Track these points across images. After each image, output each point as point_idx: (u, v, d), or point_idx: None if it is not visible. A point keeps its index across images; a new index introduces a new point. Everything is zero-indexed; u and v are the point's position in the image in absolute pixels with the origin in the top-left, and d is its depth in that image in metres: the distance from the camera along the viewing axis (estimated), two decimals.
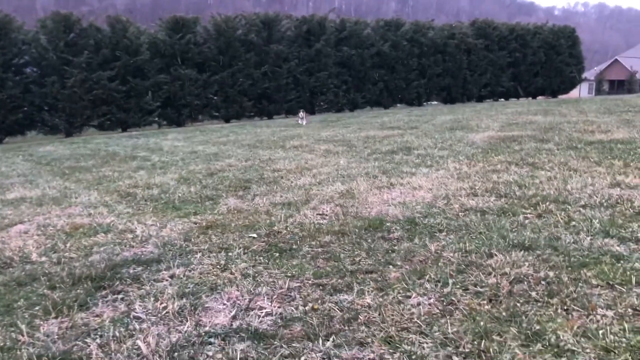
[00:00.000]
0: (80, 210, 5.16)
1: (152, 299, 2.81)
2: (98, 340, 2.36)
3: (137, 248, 3.78)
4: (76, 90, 19.11)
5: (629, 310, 2.32)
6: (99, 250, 3.79)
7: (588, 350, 2.01)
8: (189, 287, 2.95)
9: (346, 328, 2.34)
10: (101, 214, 4.94)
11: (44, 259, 3.66)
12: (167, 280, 3.10)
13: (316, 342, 2.22)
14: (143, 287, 3.00)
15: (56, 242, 4.04)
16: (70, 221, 4.70)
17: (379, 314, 2.45)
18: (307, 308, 2.58)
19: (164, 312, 2.63)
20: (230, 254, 3.51)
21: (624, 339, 2.06)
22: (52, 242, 4.05)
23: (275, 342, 2.24)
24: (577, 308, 2.37)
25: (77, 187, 6.60)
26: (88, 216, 4.89)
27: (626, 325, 2.16)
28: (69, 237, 4.18)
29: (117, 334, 2.40)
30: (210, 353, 2.19)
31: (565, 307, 2.38)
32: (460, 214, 4.17)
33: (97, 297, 2.89)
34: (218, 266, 3.28)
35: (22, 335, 2.45)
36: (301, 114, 15.86)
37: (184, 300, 2.76)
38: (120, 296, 2.89)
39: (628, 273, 2.71)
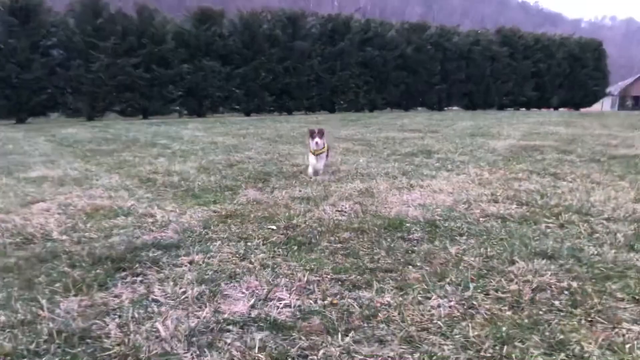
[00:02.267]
0: (101, 192, 5.18)
1: (171, 283, 2.80)
2: (117, 320, 2.36)
3: (157, 232, 3.79)
4: (101, 75, 19.31)
5: None
6: (119, 232, 3.80)
7: None
8: (208, 274, 2.94)
9: (365, 325, 2.31)
10: (122, 197, 4.96)
11: (64, 237, 3.67)
12: (186, 265, 3.09)
13: (335, 336, 2.20)
14: (162, 271, 3.00)
15: (77, 222, 4.06)
16: (91, 202, 4.72)
17: (399, 313, 2.42)
18: (326, 302, 2.55)
19: (183, 297, 2.63)
20: (249, 244, 3.50)
21: None
22: (73, 222, 4.07)
23: (294, 334, 2.23)
24: (602, 320, 2.32)
25: (98, 170, 6.64)
26: (109, 198, 4.91)
27: None
28: (90, 218, 4.20)
29: (136, 315, 2.40)
30: (228, 340, 2.17)
31: (589, 319, 2.33)
32: (481, 219, 4.12)
33: (117, 278, 2.89)
34: (237, 255, 3.27)
35: (43, 311, 2.45)
36: (316, 142, 5.98)
37: (203, 286, 2.75)
38: (139, 278, 2.89)
39: None
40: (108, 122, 17.95)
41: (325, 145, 6.03)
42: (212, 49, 21.89)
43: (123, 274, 2.96)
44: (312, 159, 6.03)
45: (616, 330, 2.23)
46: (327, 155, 6.19)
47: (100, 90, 19.46)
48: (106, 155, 8.09)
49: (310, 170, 6.05)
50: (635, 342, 2.11)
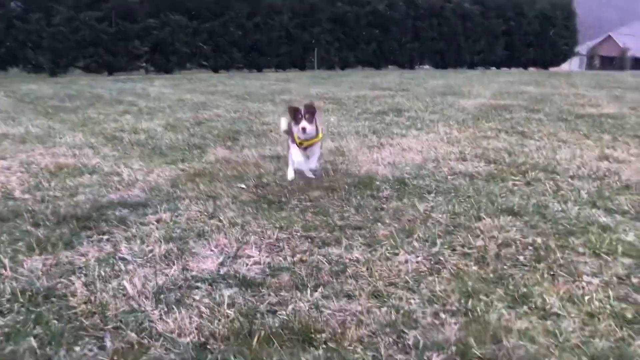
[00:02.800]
0: (64, 151, 5.06)
1: (138, 241, 2.77)
2: (83, 279, 2.33)
3: (124, 191, 3.73)
4: (62, 29, 18.58)
5: (614, 278, 2.34)
6: (85, 191, 3.73)
7: (573, 315, 2.03)
8: (176, 232, 2.92)
9: (334, 280, 2.34)
10: (86, 156, 4.86)
11: (27, 196, 3.59)
12: (153, 224, 3.06)
13: (304, 292, 2.22)
14: (129, 229, 2.97)
15: (40, 181, 3.97)
16: (55, 161, 4.61)
17: (367, 269, 2.45)
18: (295, 259, 2.57)
19: (150, 255, 2.61)
20: (218, 202, 3.47)
21: (608, 306, 2.09)
22: (36, 180, 3.97)
23: (263, 290, 2.24)
24: (564, 274, 2.39)
25: (61, 127, 6.47)
26: (73, 157, 4.81)
27: (611, 293, 2.19)
28: (53, 177, 4.10)
29: (103, 274, 2.38)
30: (197, 297, 2.17)
31: (551, 273, 2.40)
32: (449, 177, 4.17)
33: (82, 236, 2.85)
34: (206, 213, 3.25)
35: (5, 270, 2.41)
36: (302, 127, 3.66)
37: (171, 244, 2.74)
38: (105, 237, 2.85)
39: (614, 243, 2.74)
40: (71, 78, 17.41)
41: (320, 131, 3.88)
42: (179, 3, 21.23)
43: (89, 232, 2.91)
44: (296, 153, 3.82)
45: (577, 283, 2.31)
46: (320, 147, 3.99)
47: (62, 45, 18.78)
48: (70, 113, 7.87)
49: (291, 172, 3.94)
50: (594, 294, 2.18)
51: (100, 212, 3.24)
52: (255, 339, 1.85)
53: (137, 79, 16.53)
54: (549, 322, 1.98)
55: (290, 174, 3.95)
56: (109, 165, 4.49)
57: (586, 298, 2.15)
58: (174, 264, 2.49)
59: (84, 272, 2.41)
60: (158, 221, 3.11)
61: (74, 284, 2.28)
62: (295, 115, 3.74)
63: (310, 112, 3.72)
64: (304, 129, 3.68)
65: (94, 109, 8.32)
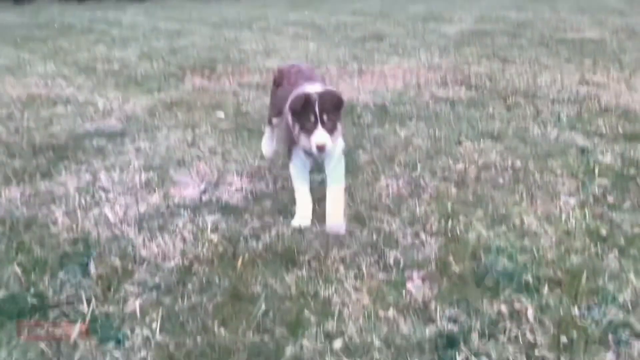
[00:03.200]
0: (36, 81, 4.91)
1: (117, 170, 2.75)
2: (63, 208, 2.32)
3: (100, 121, 3.66)
4: None
5: (590, 198, 2.40)
6: (59, 121, 3.65)
7: (550, 233, 2.09)
8: (156, 161, 2.89)
9: (316, 205, 2.35)
10: (59, 86, 4.72)
11: (0, 127, 3.51)
12: (132, 153, 3.03)
13: (287, 216, 2.24)
14: (107, 158, 2.94)
15: (12, 111, 3.87)
16: (27, 91, 4.48)
17: (349, 194, 2.47)
18: (277, 186, 2.58)
19: (131, 183, 2.59)
20: (197, 131, 3.43)
21: (583, 224, 2.15)
22: (8, 111, 3.88)
23: (246, 216, 2.26)
24: (542, 195, 2.44)
25: (31, 58, 6.24)
26: (45, 87, 4.67)
27: (587, 212, 2.25)
28: (26, 107, 4.00)
29: (83, 202, 2.37)
30: (180, 223, 2.19)
31: (530, 194, 2.45)
32: (430, 103, 4.15)
33: (60, 166, 2.81)
34: (185, 142, 3.21)
35: None
36: (317, 143, 1.91)
37: (151, 173, 2.72)
38: (84, 167, 2.82)
39: (591, 165, 2.79)
40: (38, 5, 16.66)
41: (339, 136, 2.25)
42: None
43: (66, 162, 2.88)
44: (301, 194, 2.26)
45: (554, 202, 2.36)
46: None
47: None
48: (39, 42, 7.57)
49: (305, 217, 2.22)
50: (571, 213, 2.24)
51: (77, 142, 3.19)
52: (240, 262, 1.88)
53: (108, 6, 15.88)
54: (526, 240, 2.04)
55: (303, 220, 2.18)
56: (83, 95, 4.38)
57: (563, 217, 2.21)
58: (155, 192, 2.49)
59: (63, 201, 2.40)
60: (137, 150, 3.08)
61: (54, 212, 2.27)
62: (302, 111, 2.01)
63: (333, 109, 2.03)
64: (320, 148, 2.00)
65: (65, 38, 8.01)
